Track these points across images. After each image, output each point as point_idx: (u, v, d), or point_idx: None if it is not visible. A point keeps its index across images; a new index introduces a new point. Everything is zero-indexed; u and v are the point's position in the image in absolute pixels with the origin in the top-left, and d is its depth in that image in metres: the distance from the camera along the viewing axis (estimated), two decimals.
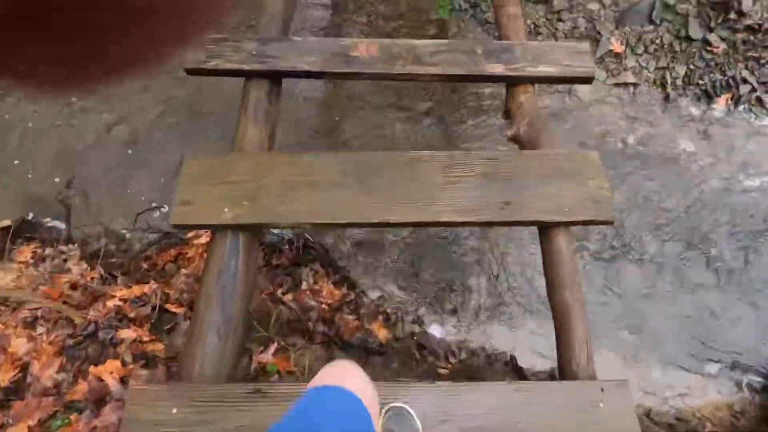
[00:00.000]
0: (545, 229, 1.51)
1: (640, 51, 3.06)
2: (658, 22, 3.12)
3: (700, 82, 2.97)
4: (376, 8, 3.35)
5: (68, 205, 2.55)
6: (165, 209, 2.65)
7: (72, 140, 2.83)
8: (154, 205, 2.64)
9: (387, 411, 1.27)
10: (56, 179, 2.70)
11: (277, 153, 1.67)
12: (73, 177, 2.71)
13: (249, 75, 1.82)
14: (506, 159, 1.58)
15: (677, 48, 3.05)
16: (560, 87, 3.05)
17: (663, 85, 2.99)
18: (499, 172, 1.55)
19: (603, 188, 1.52)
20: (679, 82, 2.99)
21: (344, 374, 0.94)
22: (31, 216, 2.65)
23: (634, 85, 3.00)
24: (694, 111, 2.94)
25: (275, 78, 1.83)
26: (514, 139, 1.75)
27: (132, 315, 1.75)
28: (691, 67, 3.01)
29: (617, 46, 3.07)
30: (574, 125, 2.91)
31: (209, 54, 1.82)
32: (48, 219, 2.64)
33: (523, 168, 1.55)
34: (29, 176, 2.74)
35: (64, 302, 1.78)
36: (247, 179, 1.54)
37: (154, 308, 1.80)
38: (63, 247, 2.25)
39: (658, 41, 3.08)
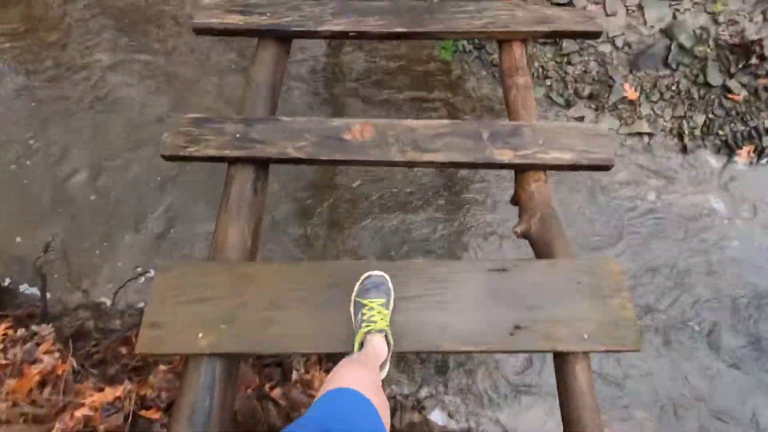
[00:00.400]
0: (560, 356, 1.33)
1: (655, 98, 2.88)
2: (674, 67, 2.94)
3: (720, 132, 2.79)
4: (375, 47, 3.18)
5: (44, 274, 2.39)
6: (150, 273, 2.49)
7: (42, 190, 2.66)
8: (139, 270, 2.48)
9: (366, 277, 1.36)
10: (18, 239, 2.54)
11: (260, 262, 1.50)
12: (51, 238, 2.55)
13: (232, 161, 1.65)
14: (516, 271, 1.40)
15: (695, 95, 2.86)
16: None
17: (680, 135, 2.81)
18: (509, 287, 1.37)
19: (626, 309, 1.34)
20: (697, 132, 2.81)
21: (358, 377, 1.01)
22: (8, 282, 2.50)
23: (649, 134, 2.82)
24: (714, 164, 2.76)
25: (261, 164, 1.67)
26: (525, 236, 1.58)
27: (102, 428, 1.59)
28: (710, 116, 2.82)
29: (631, 93, 2.89)
30: (584, 177, 2.74)
31: (188, 138, 1.65)
32: (25, 285, 2.49)
33: (536, 283, 1.37)
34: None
35: (23, 417, 1.61)
36: (226, 295, 1.37)
37: (127, 417, 1.63)
38: (36, 327, 2.09)
39: (674, 87, 2.90)
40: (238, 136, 1.65)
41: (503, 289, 1.37)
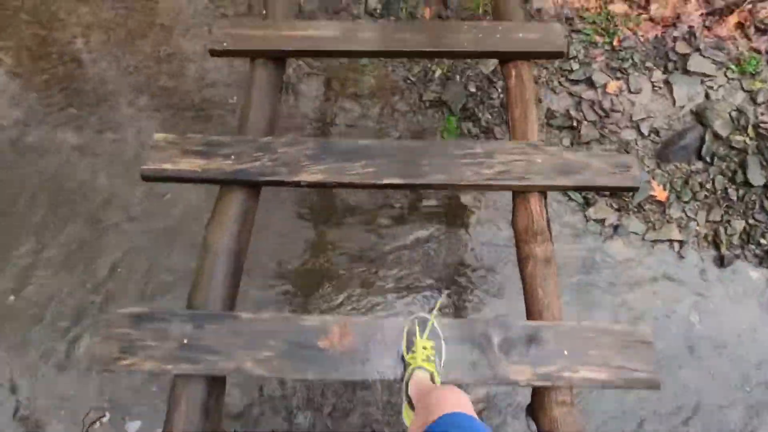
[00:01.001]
0: None
1: (686, 198, 2.53)
2: (708, 160, 2.58)
3: (762, 241, 2.44)
4: (368, 125, 2.85)
5: None
6: (106, 418, 2.17)
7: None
8: (91, 417, 2.15)
9: (413, 319, 1.35)
10: None
11: None
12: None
13: (178, 375, 1.32)
14: None
15: (733, 196, 2.51)
16: (590, 241, 2.53)
17: (716, 243, 2.46)
18: None
19: None
20: (735, 239, 2.45)
21: (459, 400, 1.04)
22: None
23: (680, 242, 2.47)
24: (756, 277, 2.41)
25: (214, 378, 1.33)
26: None
27: None
28: (751, 221, 2.47)
29: (660, 192, 2.53)
30: (603, 293, 2.40)
31: (124, 345, 1.31)
32: None
33: None
34: None
35: None
36: None
37: None
38: None
39: (709, 185, 2.54)
40: (185, 342, 1.31)
41: None
